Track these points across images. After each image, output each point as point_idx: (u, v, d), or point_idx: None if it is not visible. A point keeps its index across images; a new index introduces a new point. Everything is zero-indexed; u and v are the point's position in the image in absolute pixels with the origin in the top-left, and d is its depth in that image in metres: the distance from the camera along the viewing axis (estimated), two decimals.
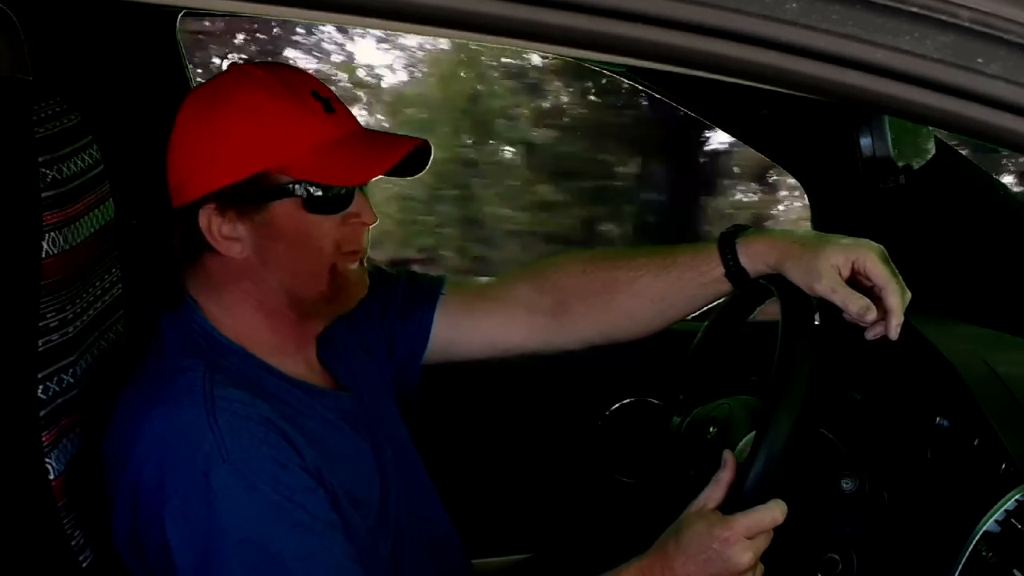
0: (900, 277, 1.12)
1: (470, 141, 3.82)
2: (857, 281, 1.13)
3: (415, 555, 1.20)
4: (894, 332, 1.11)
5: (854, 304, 1.10)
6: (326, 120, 1.07)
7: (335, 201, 1.08)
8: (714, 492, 1.09)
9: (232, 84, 1.08)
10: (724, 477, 1.09)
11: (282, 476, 1.00)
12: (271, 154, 1.05)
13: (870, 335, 1.13)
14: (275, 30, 3.71)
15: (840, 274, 1.11)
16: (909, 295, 1.12)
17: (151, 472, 0.99)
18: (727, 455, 1.10)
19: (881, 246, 1.14)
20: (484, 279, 1.38)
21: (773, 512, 1.06)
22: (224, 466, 0.97)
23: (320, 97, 1.08)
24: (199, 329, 1.09)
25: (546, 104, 3.86)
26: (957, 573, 1.07)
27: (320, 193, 1.06)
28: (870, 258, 1.11)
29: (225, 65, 1.15)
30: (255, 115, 1.05)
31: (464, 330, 1.31)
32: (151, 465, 1.00)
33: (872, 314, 1.10)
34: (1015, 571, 1.03)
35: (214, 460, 0.97)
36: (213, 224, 1.06)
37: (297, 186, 1.06)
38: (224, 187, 1.05)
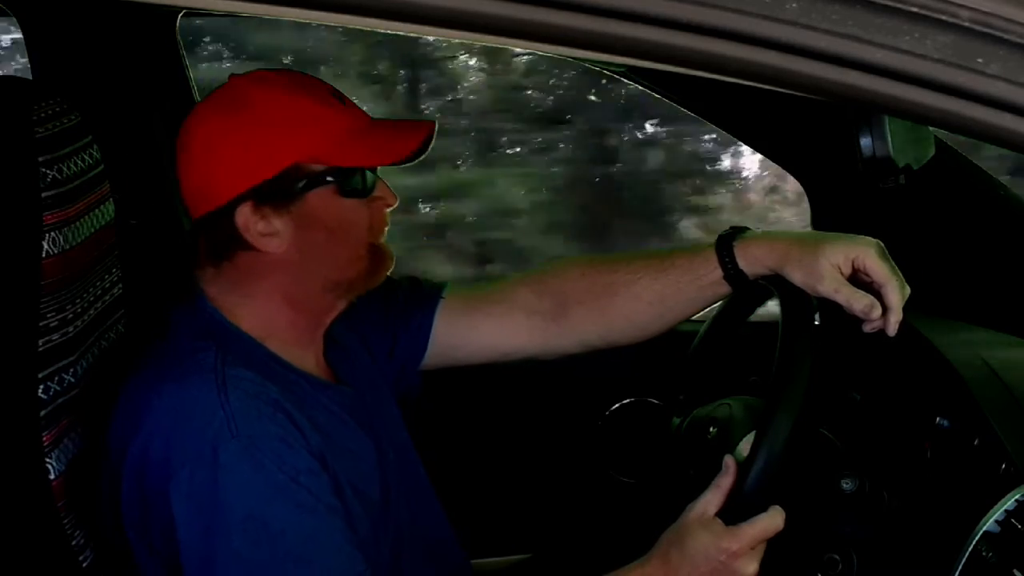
0: (899, 273, 1.12)
1: None
2: (857, 278, 1.13)
3: (415, 556, 1.20)
4: (892, 329, 1.12)
5: (858, 303, 1.11)
6: (345, 112, 1.10)
7: (364, 184, 1.11)
8: (714, 497, 1.09)
9: (248, 86, 1.09)
10: (724, 482, 1.09)
11: (288, 456, 1.01)
12: (301, 145, 1.07)
13: (867, 328, 1.13)
14: None
15: (841, 272, 1.12)
16: (908, 291, 1.12)
17: (159, 445, 1.00)
18: (728, 460, 1.10)
19: (879, 241, 1.14)
20: (484, 283, 1.38)
21: (776, 520, 1.07)
22: (232, 442, 0.98)
23: (335, 95, 1.11)
24: (209, 318, 1.10)
25: None
26: (957, 573, 1.07)
27: (351, 178, 1.09)
28: (870, 255, 1.11)
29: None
30: (280, 110, 1.07)
31: (463, 334, 1.32)
32: (159, 439, 1.00)
33: (877, 311, 1.11)
34: (1015, 571, 1.03)
35: (223, 435, 0.98)
36: (251, 222, 1.07)
37: (331, 173, 1.08)
38: (258, 184, 1.06)
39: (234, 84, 1.10)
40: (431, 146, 1.14)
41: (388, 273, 1.18)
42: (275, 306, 1.12)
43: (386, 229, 1.16)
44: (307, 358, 1.16)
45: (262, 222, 1.07)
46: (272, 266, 1.10)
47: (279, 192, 1.07)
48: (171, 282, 1.14)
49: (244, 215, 1.07)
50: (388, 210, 1.15)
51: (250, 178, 1.06)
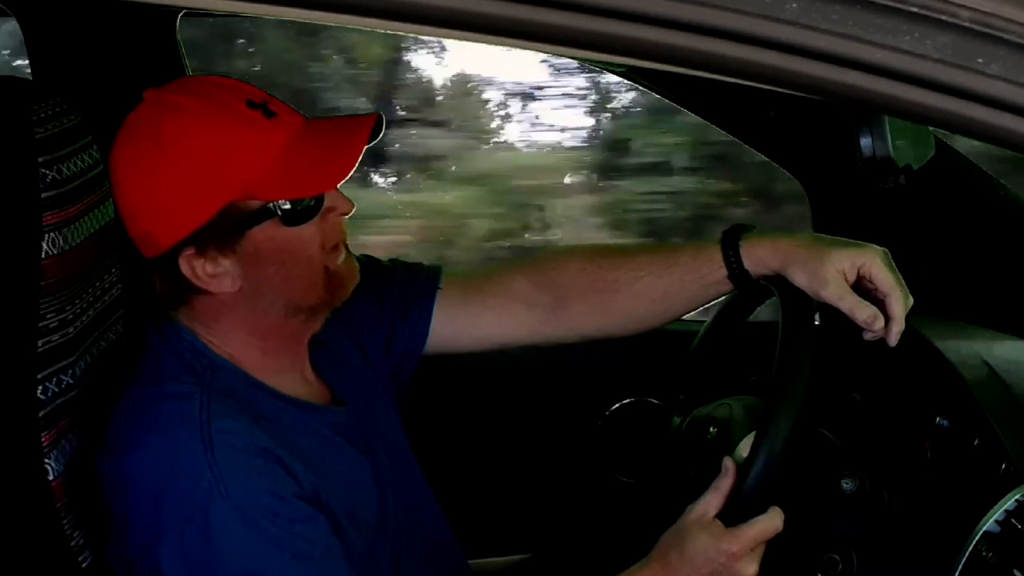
0: (904, 283, 1.12)
1: None
2: (860, 285, 1.13)
3: (414, 560, 1.20)
4: (894, 339, 1.11)
5: (862, 312, 1.10)
6: (271, 128, 1.02)
7: (310, 207, 1.04)
8: (714, 499, 1.09)
9: (160, 122, 1.02)
10: (724, 484, 1.09)
11: (281, 508, 1.00)
12: (232, 183, 1.00)
13: (868, 337, 1.13)
14: None
15: (846, 279, 1.11)
16: (911, 301, 1.12)
17: (146, 505, 0.99)
18: (727, 462, 1.10)
19: (886, 250, 1.13)
20: (481, 270, 1.36)
21: (775, 521, 1.07)
22: (223, 502, 0.97)
23: (255, 104, 1.03)
24: (189, 347, 1.08)
25: None
26: (957, 573, 1.07)
27: (293, 205, 1.03)
28: (876, 263, 1.11)
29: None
30: (200, 149, 1.00)
31: (462, 325, 1.30)
32: (146, 498, 0.99)
33: (880, 323, 1.10)
34: (1015, 571, 1.03)
35: (212, 497, 0.97)
36: (196, 267, 1.03)
37: (270, 206, 1.02)
38: (196, 230, 1.01)
39: (147, 113, 1.03)
40: (383, 131, 1.07)
41: (353, 287, 1.12)
42: (245, 339, 1.09)
43: (344, 239, 1.10)
44: (294, 380, 1.14)
45: (209, 264, 1.03)
46: (229, 304, 1.06)
47: (218, 234, 1.01)
48: (152, 305, 1.12)
49: (188, 261, 1.02)
50: (345, 218, 1.08)
51: (185, 224, 1.01)
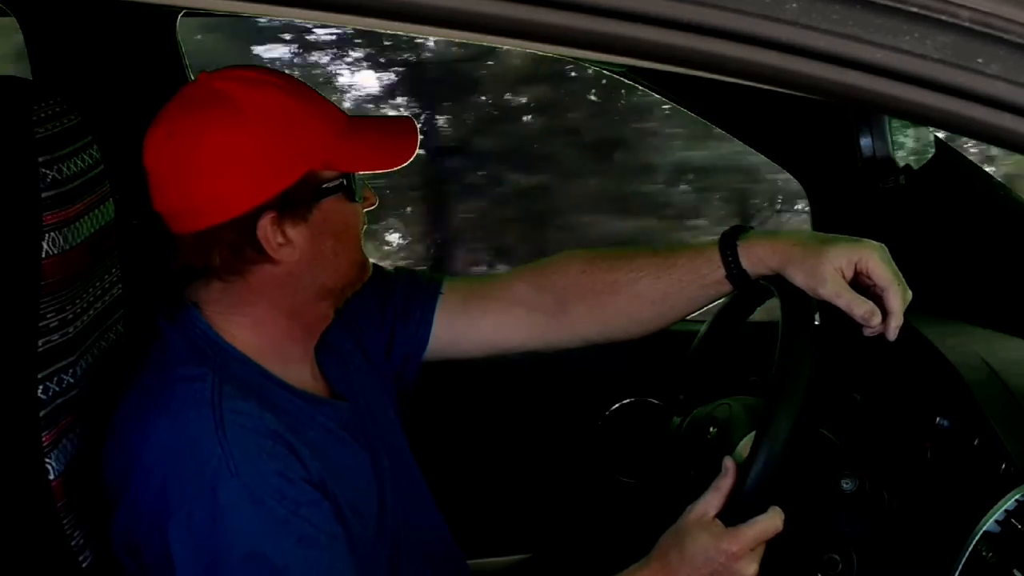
0: (902, 278, 1.12)
1: None
2: (859, 281, 1.13)
3: (413, 563, 1.20)
4: (892, 333, 1.11)
5: (859, 308, 1.10)
6: (333, 109, 1.09)
7: (359, 187, 1.10)
8: (714, 499, 1.09)
9: (238, 89, 1.04)
10: (724, 484, 1.09)
11: (288, 490, 1.00)
12: (314, 151, 1.05)
13: (868, 332, 1.13)
14: None
15: (843, 276, 1.12)
16: (910, 295, 1.12)
17: (155, 483, 0.99)
18: (727, 462, 1.10)
19: (883, 245, 1.14)
20: (483, 276, 1.37)
21: (775, 521, 1.07)
22: (232, 480, 0.97)
23: (314, 91, 1.11)
24: (202, 335, 1.08)
25: None
26: (957, 573, 1.07)
27: (354, 181, 1.09)
28: (873, 258, 1.11)
29: None
30: (285, 114, 1.04)
31: (463, 330, 1.31)
32: (156, 476, 0.99)
33: (877, 318, 1.10)
34: (1015, 571, 1.03)
35: (222, 474, 0.97)
36: (269, 234, 1.04)
37: (342, 179, 1.07)
38: (277, 194, 1.03)
39: (218, 88, 1.05)
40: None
41: (367, 277, 1.17)
42: (272, 320, 1.10)
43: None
44: (302, 372, 1.15)
45: (279, 232, 1.05)
46: (279, 278, 1.08)
47: (297, 201, 1.05)
48: (164, 290, 1.12)
49: (264, 227, 1.04)
50: (365, 211, 1.15)
51: (269, 187, 1.03)
